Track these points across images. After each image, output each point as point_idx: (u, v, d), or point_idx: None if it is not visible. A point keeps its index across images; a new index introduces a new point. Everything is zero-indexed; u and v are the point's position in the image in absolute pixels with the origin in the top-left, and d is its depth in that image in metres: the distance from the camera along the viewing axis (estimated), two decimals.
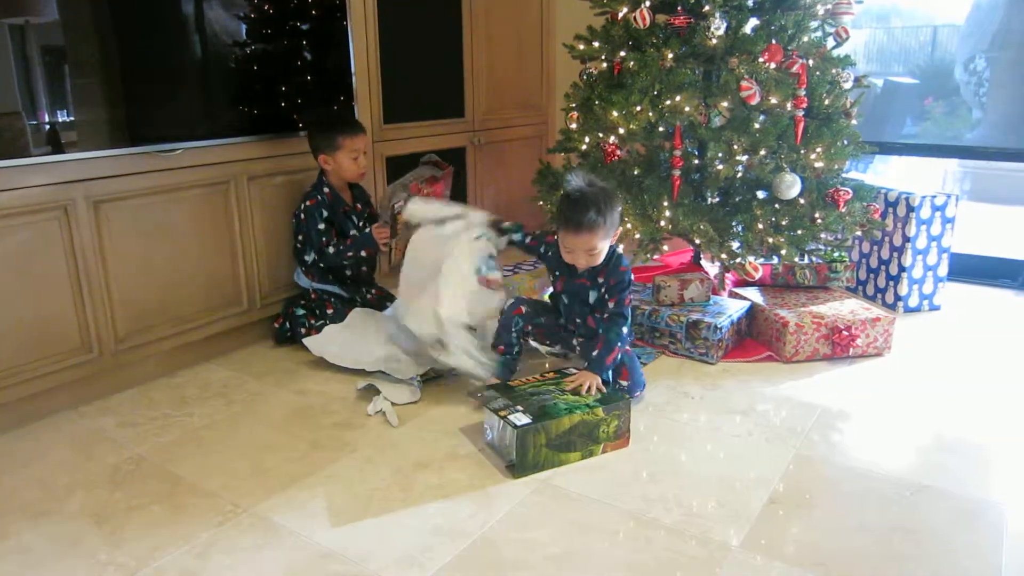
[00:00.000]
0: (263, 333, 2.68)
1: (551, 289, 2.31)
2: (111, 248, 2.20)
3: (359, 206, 2.73)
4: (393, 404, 2.14)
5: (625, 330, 2.12)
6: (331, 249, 2.60)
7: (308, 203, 2.58)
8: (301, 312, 2.62)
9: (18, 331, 2.03)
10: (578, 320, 2.23)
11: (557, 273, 2.24)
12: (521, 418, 1.81)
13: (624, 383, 2.14)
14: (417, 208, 2.34)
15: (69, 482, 1.81)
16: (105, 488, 1.78)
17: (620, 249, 2.24)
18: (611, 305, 2.13)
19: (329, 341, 2.47)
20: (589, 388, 1.96)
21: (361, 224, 2.71)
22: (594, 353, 2.07)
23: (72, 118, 2.09)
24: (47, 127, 2.05)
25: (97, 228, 2.16)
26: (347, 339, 2.46)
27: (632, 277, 2.15)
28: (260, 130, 2.56)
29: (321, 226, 2.59)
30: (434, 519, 1.63)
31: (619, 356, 2.09)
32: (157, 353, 2.38)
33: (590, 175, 2.12)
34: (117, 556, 1.53)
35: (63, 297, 2.11)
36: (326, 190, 2.62)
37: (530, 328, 2.27)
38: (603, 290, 2.15)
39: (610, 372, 2.09)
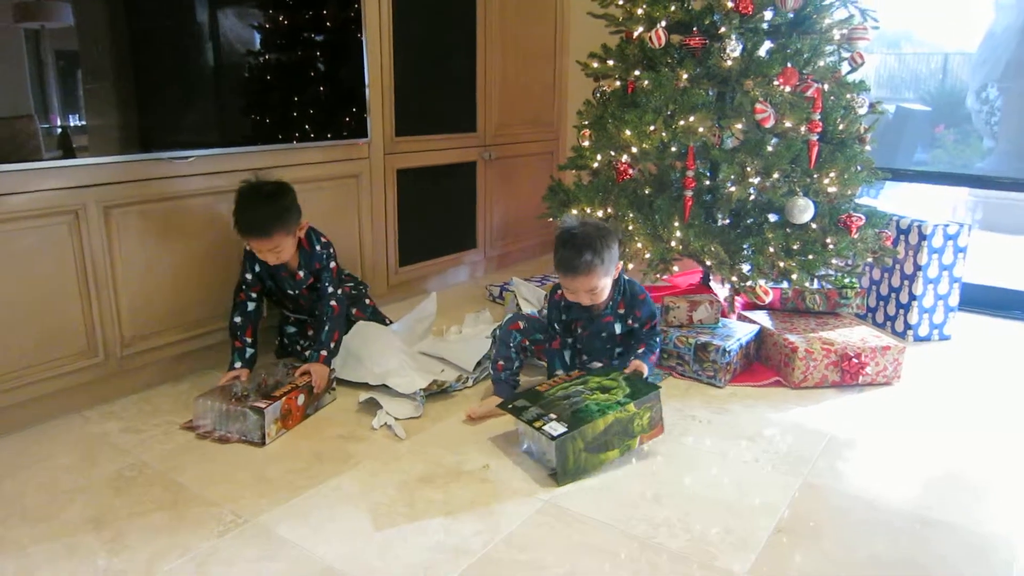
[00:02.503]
0: (269, 342, 2.67)
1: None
2: (120, 253, 2.20)
3: (300, 274, 2.37)
4: (396, 419, 2.13)
5: (659, 339, 2.23)
6: (238, 303, 2.34)
7: (246, 246, 2.32)
8: (292, 330, 2.59)
9: (26, 334, 2.03)
10: (595, 350, 2.29)
11: (567, 319, 2.26)
12: (557, 427, 1.82)
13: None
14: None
15: (71, 487, 1.80)
16: (107, 494, 1.77)
17: (626, 275, 2.26)
18: (645, 331, 2.22)
19: None
20: (638, 374, 2.08)
21: (296, 293, 2.42)
22: (640, 350, 2.17)
23: (84, 123, 2.09)
24: (59, 131, 2.05)
25: (107, 233, 2.16)
26: (350, 353, 2.45)
27: (653, 302, 2.24)
28: (272, 140, 2.56)
29: (248, 275, 2.34)
30: (437, 536, 1.61)
31: (656, 361, 2.19)
32: (163, 359, 2.38)
33: (583, 216, 2.15)
34: (116, 563, 1.51)
35: (71, 301, 2.11)
36: None
37: (527, 343, 2.27)
38: (629, 320, 2.21)
39: (648, 369, 2.15)
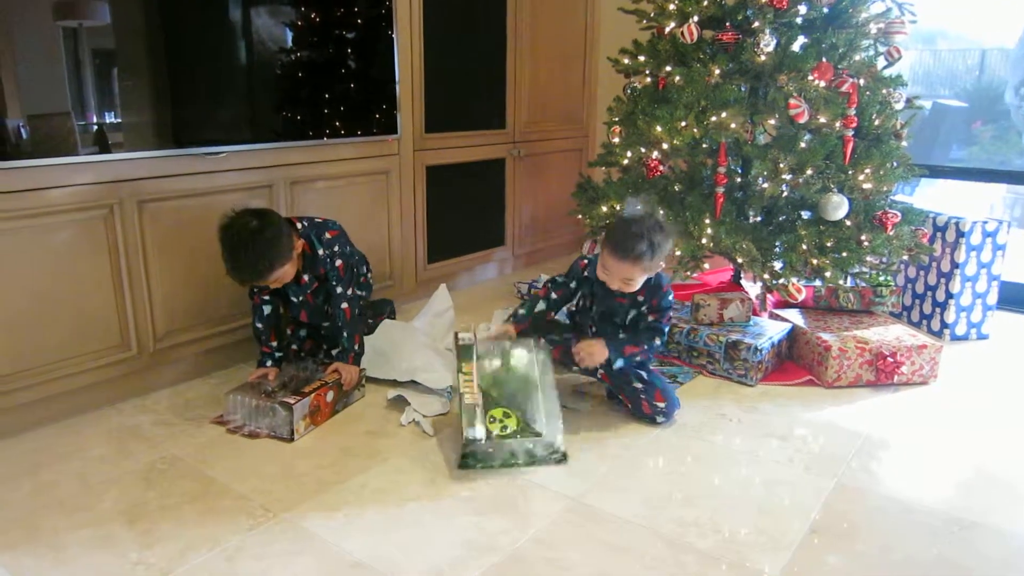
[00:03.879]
0: None
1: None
2: (154, 248, 2.23)
3: (304, 278, 2.27)
4: (424, 416, 2.13)
5: (658, 341, 2.10)
6: (255, 307, 2.29)
7: None
8: (303, 333, 2.49)
9: (61, 326, 2.06)
10: (602, 327, 2.21)
11: (586, 293, 2.21)
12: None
13: (660, 404, 2.10)
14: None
15: (104, 479, 1.82)
16: (139, 487, 1.79)
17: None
18: (651, 318, 2.11)
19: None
20: (589, 357, 2.03)
21: (301, 299, 2.32)
22: (621, 335, 2.09)
23: (120, 119, 2.12)
24: (95, 127, 2.08)
25: (141, 227, 2.19)
26: (377, 351, 2.45)
27: (673, 297, 2.13)
28: (304, 136, 2.57)
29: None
30: (465, 533, 1.61)
31: (638, 356, 2.08)
32: (194, 353, 2.40)
33: (652, 206, 2.10)
34: (147, 556, 1.53)
35: (105, 294, 2.14)
36: None
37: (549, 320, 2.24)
38: (643, 308, 2.12)
39: (621, 361, 2.07)
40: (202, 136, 2.30)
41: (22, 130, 1.92)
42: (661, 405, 2.09)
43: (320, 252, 2.24)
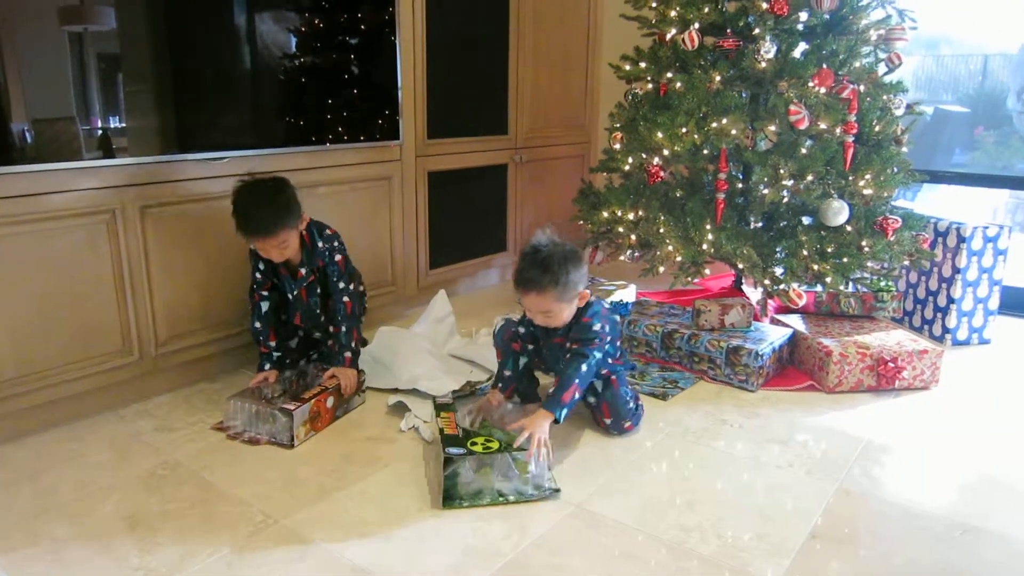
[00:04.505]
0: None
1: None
2: (156, 253, 2.23)
3: (301, 271, 2.27)
4: (424, 422, 2.13)
5: (584, 368, 1.90)
6: (254, 306, 2.29)
7: (251, 245, 2.25)
8: (294, 343, 2.48)
9: (63, 331, 2.06)
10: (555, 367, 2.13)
11: (534, 336, 2.11)
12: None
13: (607, 420, 2.05)
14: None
15: (105, 484, 1.83)
16: (140, 492, 1.79)
17: (596, 298, 2.03)
18: (573, 347, 1.95)
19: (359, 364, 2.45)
20: (539, 431, 1.79)
21: (296, 294, 2.31)
22: (551, 391, 1.91)
23: (123, 124, 2.13)
24: (99, 132, 2.09)
25: (143, 232, 2.19)
26: (376, 361, 2.45)
27: (601, 326, 1.96)
28: (306, 141, 2.58)
29: (258, 274, 2.29)
30: (466, 539, 1.61)
31: (577, 395, 1.90)
32: (196, 358, 2.40)
33: (552, 234, 1.96)
34: (148, 561, 1.53)
35: (107, 299, 2.15)
36: None
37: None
38: (571, 345, 1.98)
39: (565, 411, 1.87)
40: (205, 141, 2.31)
41: (27, 134, 1.92)
42: (607, 420, 2.05)
43: (320, 244, 2.27)
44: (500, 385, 2.13)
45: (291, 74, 2.52)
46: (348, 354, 2.24)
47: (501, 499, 1.75)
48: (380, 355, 2.48)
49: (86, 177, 2.04)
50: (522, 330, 2.12)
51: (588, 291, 1.98)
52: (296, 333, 2.45)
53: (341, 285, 2.29)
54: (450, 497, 1.73)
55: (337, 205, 2.74)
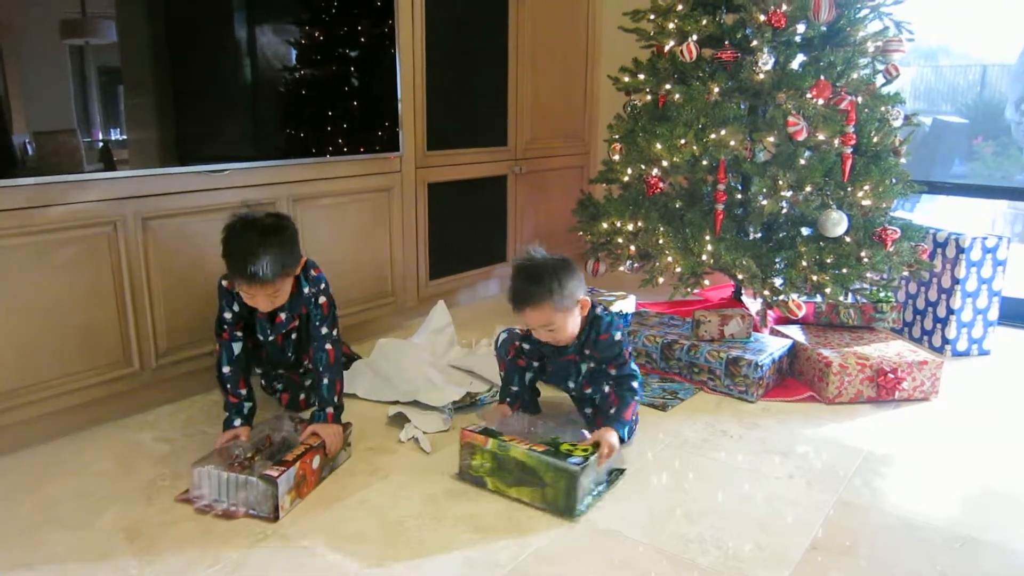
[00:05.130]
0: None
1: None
2: (157, 264, 2.24)
3: (281, 316, 2.05)
4: (424, 432, 2.13)
5: (636, 384, 2.00)
6: (223, 346, 2.02)
7: (222, 280, 2.01)
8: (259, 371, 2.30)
9: (65, 342, 2.07)
10: (570, 392, 2.14)
11: (540, 354, 2.10)
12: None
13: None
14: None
15: (106, 495, 1.83)
16: (140, 503, 1.79)
17: (604, 310, 2.03)
18: (612, 372, 2.00)
19: (359, 376, 2.46)
20: (611, 449, 1.83)
21: (270, 339, 2.10)
22: (611, 410, 1.96)
23: (125, 136, 2.14)
24: (100, 145, 2.10)
25: (144, 245, 2.20)
26: (377, 374, 2.45)
27: (622, 334, 2.00)
28: (306, 153, 2.59)
29: (228, 315, 2.02)
30: (466, 550, 1.61)
31: (637, 416, 1.99)
32: (197, 369, 2.41)
33: (542, 248, 1.96)
34: (148, 572, 1.53)
35: (108, 311, 2.15)
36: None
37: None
38: (592, 364, 2.03)
39: (627, 429, 1.97)
40: (206, 153, 2.32)
41: (28, 147, 1.94)
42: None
43: (306, 290, 2.00)
44: (508, 400, 2.13)
45: (292, 86, 2.54)
46: (331, 409, 1.95)
47: (593, 495, 1.80)
48: (379, 367, 2.49)
49: (87, 190, 2.05)
50: (527, 346, 2.10)
51: (588, 298, 1.97)
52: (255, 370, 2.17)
53: (324, 331, 2.02)
54: (572, 509, 1.73)
55: (337, 216, 2.75)
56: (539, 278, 1.86)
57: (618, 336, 1.99)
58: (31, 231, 1.96)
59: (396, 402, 2.30)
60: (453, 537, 1.65)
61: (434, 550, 1.61)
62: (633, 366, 2.02)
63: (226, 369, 2.01)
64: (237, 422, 1.97)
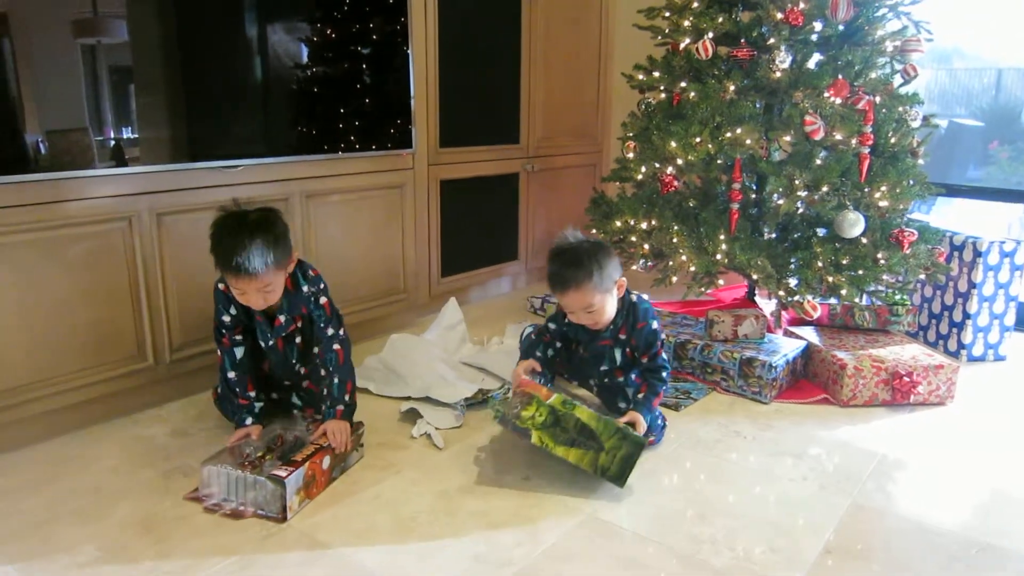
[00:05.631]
0: None
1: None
2: (170, 260, 2.24)
3: (280, 319, 2.00)
4: (436, 428, 2.13)
5: (665, 375, 2.04)
6: (224, 352, 2.01)
7: (218, 284, 1.97)
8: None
9: (79, 337, 2.08)
10: (599, 380, 2.15)
11: (572, 338, 2.12)
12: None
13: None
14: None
15: (120, 488, 1.83)
16: (154, 496, 1.80)
17: (640, 296, 2.08)
18: (644, 361, 2.05)
19: (371, 372, 2.47)
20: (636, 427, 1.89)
21: (271, 344, 2.04)
22: (640, 395, 2.00)
23: (137, 134, 2.14)
24: (112, 142, 2.10)
25: (159, 240, 2.21)
26: (390, 370, 2.46)
27: (657, 325, 2.04)
28: (319, 150, 2.59)
29: (226, 318, 1.99)
30: (477, 546, 1.60)
31: (659, 400, 2.02)
32: (211, 365, 2.40)
33: (578, 232, 2.00)
34: (162, 565, 1.53)
35: (122, 306, 2.16)
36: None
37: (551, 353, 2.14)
38: (627, 349, 2.07)
39: (650, 416, 1.98)
40: (219, 150, 2.32)
41: (41, 145, 1.94)
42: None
43: (304, 289, 1.98)
44: (534, 358, 2.07)
45: (304, 83, 2.54)
46: (340, 407, 1.93)
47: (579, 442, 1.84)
48: (392, 362, 2.49)
49: (102, 185, 2.06)
50: (552, 326, 2.11)
51: (624, 280, 2.00)
52: (262, 395, 2.07)
53: (330, 331, 2.00)
54: (624, 478, 1.80)
55: (350, 213, 2.75)
56: (579, 260, 1.89)
57: (655, 325, 2.04)
58: (47, 226, 1.97)
59: (408, 398, 2.29)
60: (465, 533, 1.65)
61: (446, 546, 1.60)
62: (664, 357, 2.06)
63: (231, 374, 2.00)
64: (248, 420, 1.97)
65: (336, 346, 1.99)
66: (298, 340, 2.07)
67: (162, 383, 2.30)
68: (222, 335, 2.00)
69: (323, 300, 2.01)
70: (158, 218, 2.20)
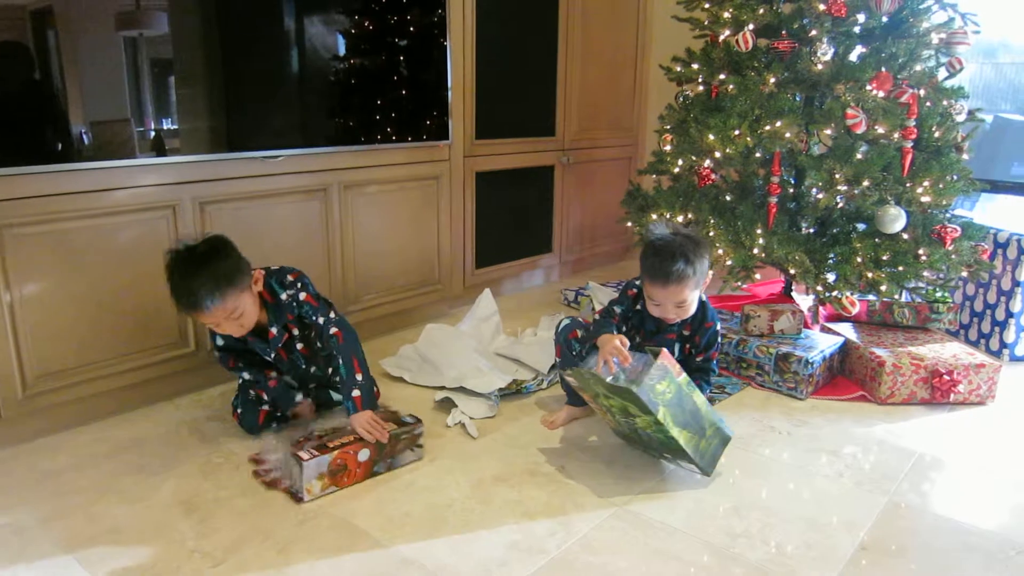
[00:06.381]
0: None
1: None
2: None
3: (272, 331, 1.98)
4: (471, 418, 2.15)
5: (713, 377, 2.10)
6: (242, 383, 2.09)
7: None
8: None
9: (124, 322, 2.13)
10: None
11: (635, 326, 2.10)
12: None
13: None
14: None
15: (162, 470, 1.88)
16: (195, 478, 1.84)
17: (705, 296, 2.08)
18: (699, 360, 2.07)
19: (407, 361, 2.49)
20: None
21: (274, 356, 2.05)
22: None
23: (178, 126, 2.17)
24: (153, 133, 2.14)
25: (202, 228, 2.25)
26: (425, 359, 2.48)
27: (720, 328, 2.09)
28: (356, 141, 2.62)
29: (219, 341, 2.04)
30: (512, 535, 1.62)
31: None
32: None
33: (674, 223, 2.03)
34: (203, 544, 1.57)
35: (165, 292, 2.18)
36: None
37: (585, 353, 2.12)
38: (687, 345, 2.07)
39: None
40: (259, 141, 2.35)
41: (84, 136, 1.98)
42: None
43: (283, 296, 1.97)
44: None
45: (342, 75, 2.56)
46: (356, 393, 1.88)
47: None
48: (427, 352, 2.51)
49: (145, 174, 2.11)
50: (618, 309, 2.07)
51: (709, 275, 2.02)
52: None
53: (321, 320, 1.97)
54: (713, 468, 1.85)
55: (387, 203, 2.78)
56: (685, 256, 1.88)
57: (719, 327, 2.07)
58: (94, 213, 2.02)
59: (443, 387, 2.32)
60: (499, 521, 1.67)
61: (481, 534, 1.62)
62: (716, 360, 2.10)
63: (246, 375, 2.07)
64: (298, 397, 2.07)
65: (333, 330, 1.96)
66: (299, 346, 2.06)
67: (203, 369, 2.35)
68: (226, 359, 2.07)
69: (303, 296, 1.98)
70: (201, 207, 2.24)
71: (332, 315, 1.99)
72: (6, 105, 1.84)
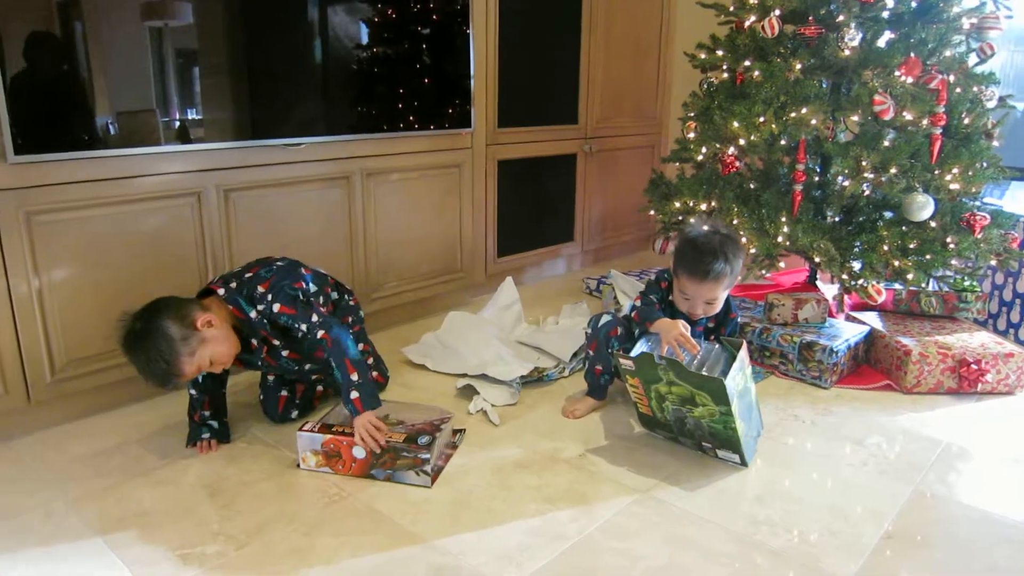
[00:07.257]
0: (374, 325, 2.74)
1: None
2: (236, 234, 2.31)
3: (253, 343, 1.93)
4: (493, 405, 2.16)
5: None
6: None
7: None
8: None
9: None
10: None
11: (668, 315, 2.05)
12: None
13: None
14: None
15: (187, 454, 1.91)
16: (220, 462, 1.86)
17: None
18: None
19: (429, 348, 2.50)
20: None
21: (261, 363, 2.01)
22: None
23: (202, 115, 2.18)
24: (178, 123, 2.15)
25: (226, 215, 2.27)
26: (446, 346, 2.48)
27: (740, 318, 2.15)
28: (378, 129, 2.62)
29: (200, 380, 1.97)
30: (533, 520, 1.62)
31: None
32: None
33: (714, 220, 2.03)
34: (228, 527, 1.59)
35: (190, 277, 2.23)
36: None
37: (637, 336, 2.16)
38: (711, 337, 2.09)
39: None
40: (281, 129, 2.36)
41: (111, 126, 2.00)
42: None
43: (253, 315, 1.88)
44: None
45: (365, 64, 2.56)
46: (355, 395, 1.82)
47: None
48: (449, 340, 2.52)
49: (170, 162, 2.13)
50: (653, 297, 2.06)
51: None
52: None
53: (304, 327, 1.88)
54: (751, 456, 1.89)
55: (409, 191, 2.78)
56: (725, 254, 1.91)
57: (740, 318, 2.15)
58: (120, 200, 2.05)
59: (465, 375, 2.32)
60: (521, 507, 1.67)
61: (502, 520, 1.63)
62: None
63: (192, 391, 1.97)
64: (206, 434, 1.94)
65: (320, 333, 1.87)
66: (285, 353, 1.99)
67: None
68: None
69: (277, 307, 1.87)
70: (225, 194, 2.26)
71: (314, 318, 1.88)
72: (35, 94, 1.86)
